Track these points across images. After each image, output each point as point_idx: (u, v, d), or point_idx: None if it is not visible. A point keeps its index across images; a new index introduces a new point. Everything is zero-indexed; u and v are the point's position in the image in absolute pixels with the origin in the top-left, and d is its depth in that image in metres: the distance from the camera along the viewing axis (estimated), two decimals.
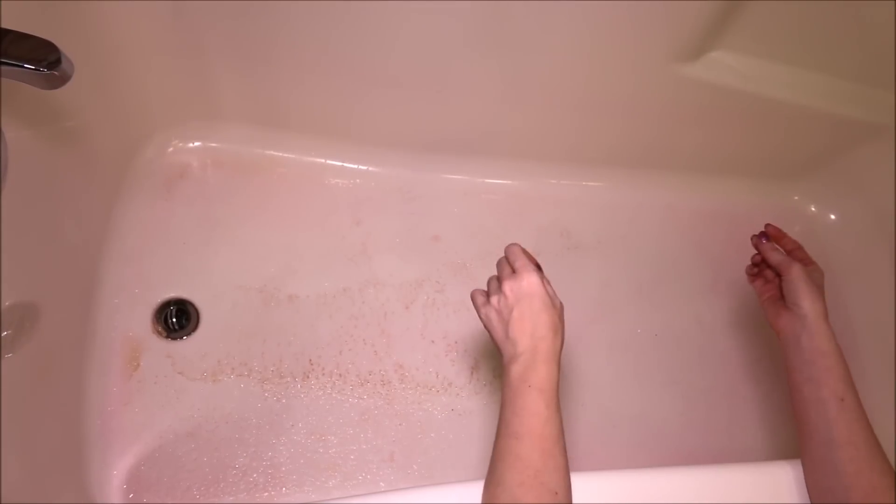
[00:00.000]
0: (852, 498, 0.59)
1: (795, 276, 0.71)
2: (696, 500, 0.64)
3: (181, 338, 1.01)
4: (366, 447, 0.99)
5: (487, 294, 0.65)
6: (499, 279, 0.64)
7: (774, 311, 0.73)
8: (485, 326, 0.64)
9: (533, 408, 0.56)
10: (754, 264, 0.83)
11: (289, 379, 1.01)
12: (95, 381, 0.94)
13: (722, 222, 1.27)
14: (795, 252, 0.79)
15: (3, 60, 0.55)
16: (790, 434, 1.10)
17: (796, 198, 1.29)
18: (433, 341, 1.08)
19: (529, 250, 0.66)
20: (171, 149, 1.12)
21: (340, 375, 1.03)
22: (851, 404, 0.62)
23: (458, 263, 1.14)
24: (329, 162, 1.17)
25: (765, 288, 0.79)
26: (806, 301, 0.69)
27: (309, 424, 0.99)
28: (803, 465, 0.65)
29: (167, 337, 1.01)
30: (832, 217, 1.27)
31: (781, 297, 0.74)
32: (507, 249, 0.66)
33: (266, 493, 0.94)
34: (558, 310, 0.61)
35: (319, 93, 1.05)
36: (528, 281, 0.61)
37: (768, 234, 0.80)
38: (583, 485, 0.63)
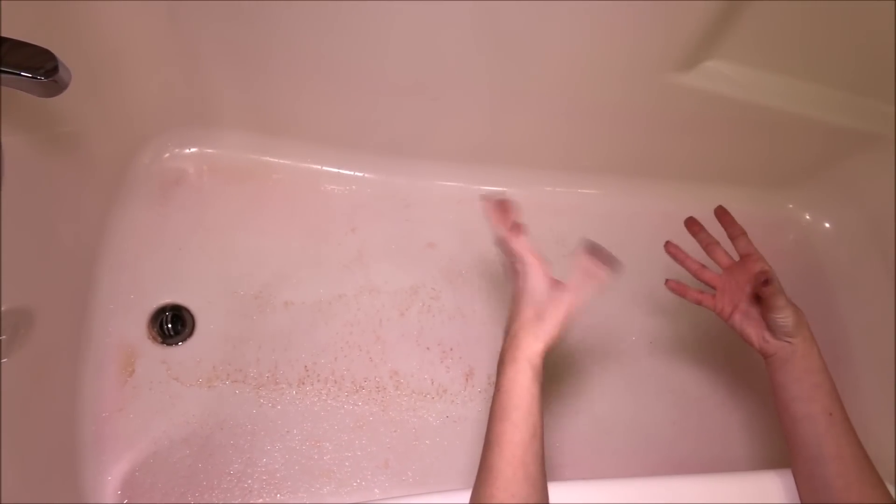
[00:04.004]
0: None
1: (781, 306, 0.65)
2: None
3: (176, 343, 1.01)
4: (360, 454, 0.99)
5: None
6: None
7: (757, 334, 0.69)
8: None
9: (501, 413, 0.55)
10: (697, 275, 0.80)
11: (284, 385, 1.01)
12: (90, 386, 0.94)
13: (717, 231, 1.27)
14: (740, 240, 0.77)
15: (0, 69, 0.55)
16: (783, 443, 1.10)
17: (791, 206, 1.29)
18: (428, 348, 1.08)
19: None
20: (167, 154, 1.12)
21: (335, 382, 1.03)
22: (839, 418, 0.62)
23: (454, 270, 1.15)
24: (325, 168, 1.17)
25: (725, 302, 0.75)
26: (804, 331, 0.66)
27: (304, 431, 0.99)
28: (795, 480, 0.65)
29: (162, 343, 1.01)
30: (827, 225, 1.27)
31: (755, 312, 0.70)
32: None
33: (261, 500, 0.94)
34: (524, 303, 0.60)
35: (315, 99, 1.05)
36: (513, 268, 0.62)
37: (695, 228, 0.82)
38: (574, 493, 0.63)
